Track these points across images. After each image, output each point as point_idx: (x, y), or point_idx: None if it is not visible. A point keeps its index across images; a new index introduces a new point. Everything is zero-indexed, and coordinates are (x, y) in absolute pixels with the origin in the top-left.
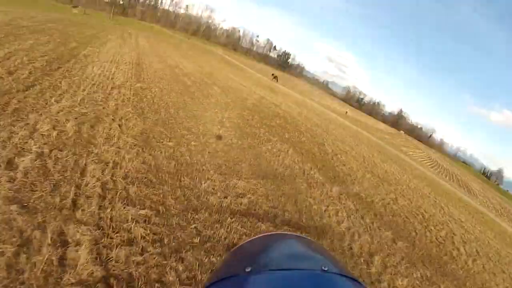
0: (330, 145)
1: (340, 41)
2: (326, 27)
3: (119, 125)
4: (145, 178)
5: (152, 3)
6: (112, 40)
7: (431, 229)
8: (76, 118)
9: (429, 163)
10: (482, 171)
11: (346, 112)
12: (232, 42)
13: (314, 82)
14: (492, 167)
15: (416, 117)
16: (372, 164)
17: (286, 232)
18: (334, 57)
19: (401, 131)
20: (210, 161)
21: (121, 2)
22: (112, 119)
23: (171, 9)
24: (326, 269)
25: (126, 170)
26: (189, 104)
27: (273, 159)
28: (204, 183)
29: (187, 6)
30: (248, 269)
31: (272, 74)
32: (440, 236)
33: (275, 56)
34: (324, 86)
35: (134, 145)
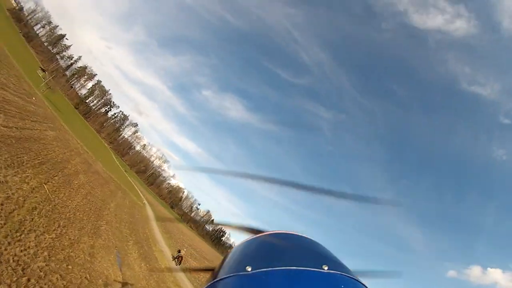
0: None
1: None
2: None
3: None
4: None
5: (117, 125)
6: None
7: None
8: None
9: None
10: None
11: None
12: (173, 199)
13: None
14: None
15: None
16: None
17: (286, 231)
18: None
19: None
20: None
21: (87, 102)
22: None
23: (130, 139)
24: (326, 268)
25: None
26: None
27: None
28: None
29: (144, 145)
30: (248, 268)
31: (172, 256)
32: None
33: (210, 229)
34: None
35: None
